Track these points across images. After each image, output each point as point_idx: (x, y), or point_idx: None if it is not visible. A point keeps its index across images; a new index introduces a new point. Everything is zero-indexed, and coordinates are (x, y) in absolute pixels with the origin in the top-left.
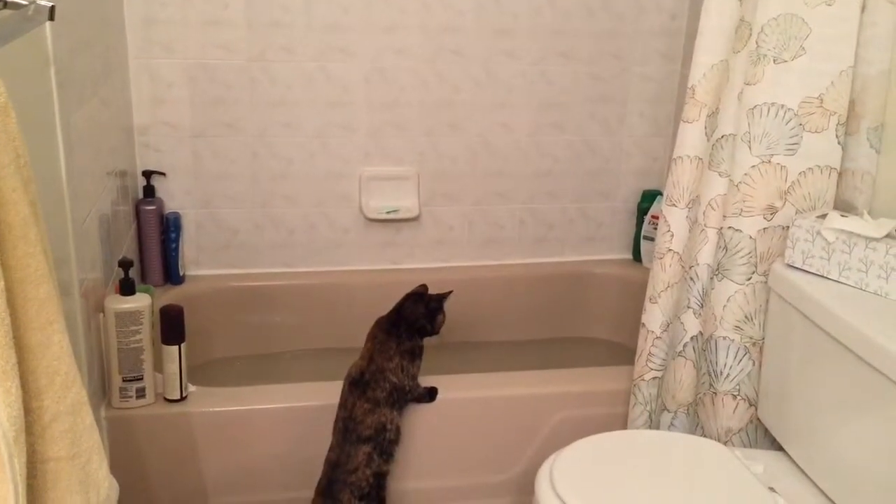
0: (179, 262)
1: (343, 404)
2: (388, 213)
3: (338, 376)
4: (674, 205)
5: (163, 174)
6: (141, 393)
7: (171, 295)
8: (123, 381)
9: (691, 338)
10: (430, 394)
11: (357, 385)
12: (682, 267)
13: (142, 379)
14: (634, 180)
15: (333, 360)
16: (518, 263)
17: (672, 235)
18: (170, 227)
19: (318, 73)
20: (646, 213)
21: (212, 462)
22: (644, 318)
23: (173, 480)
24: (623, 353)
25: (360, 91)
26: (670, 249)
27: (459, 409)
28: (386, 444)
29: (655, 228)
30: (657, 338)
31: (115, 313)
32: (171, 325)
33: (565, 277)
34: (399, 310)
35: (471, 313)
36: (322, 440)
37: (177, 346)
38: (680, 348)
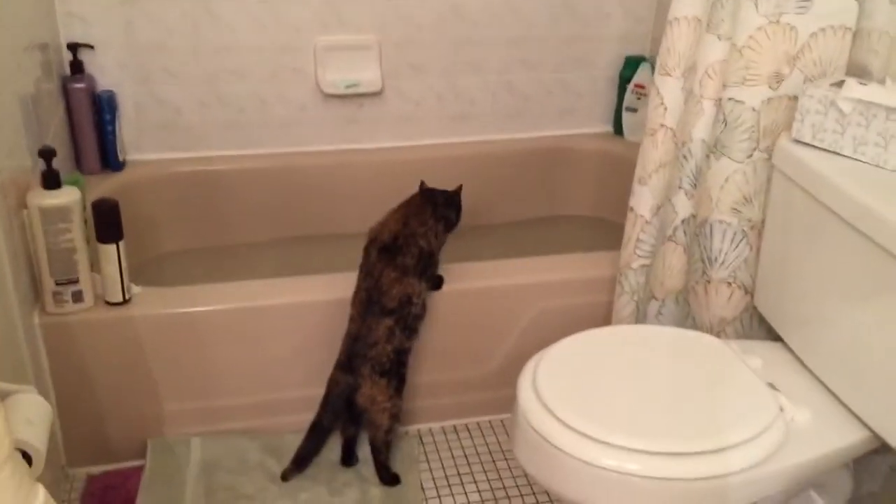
0: (118, 147)
1: (369, 272)
2: (347, 87)
3: (301, 269)
4: (668, 74)
5: (91, 47)
6: (78, 297)
7: (109, 183)
8: (56, 284)
9: (682, 221)
10: (438, 281)
11: (388, 251)
12: (676, 144)
13: (77, 281)
14: (616, 45)
15: (296, 251)
16: (492, 140)
17: (665, 109)
18: (103, 107)
19: None
20: (628, 82)
21: (163, 367)
22: (632, 202)
23: (120, 388)
24: (605, 229)
25: None
26: (663, 125)
27: (432, 303)
28: (410, 319)
29: (639, 99)
30: (647, 223)
31: (40, 209)
32: (106, 222)
33: (543, 153)
34: (428, 191)
35: None
36: (285, 341)
37: (114, 245)
38: (670, 232)
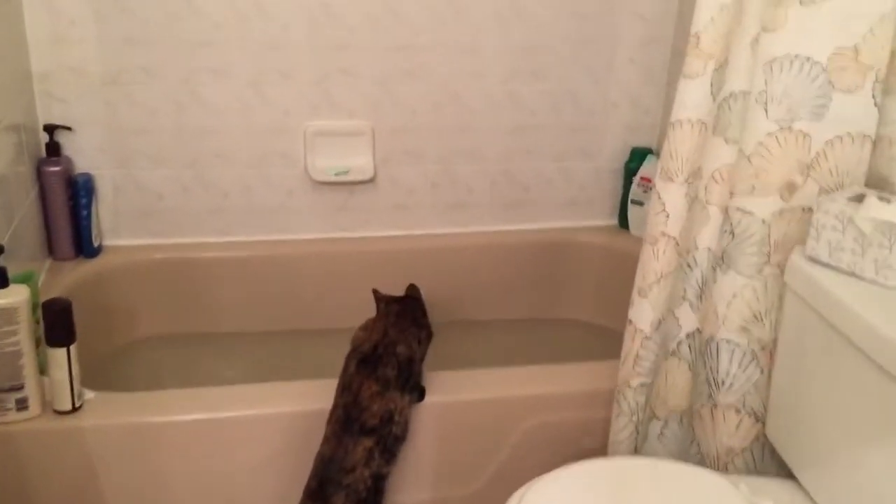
0: (93, 232)
1: (346, 386)
2: (336, 174)
3: (282, 366)
4: (670, 179)
5: (68, 129)
6: (22, 404)
7: (83, 270)
8: None
9: (687, 335)
10: (421, 392)
11: (367, 362)
12: (679, 254)
13: (22, 388)
14: (622, 136)
15: (278, 345)
16: (489, 231)
17: (667, 216)
18: (79, 191)
19: (251, 8)
20: (634, 174)
21: (115, 484)
22: (631, 314)
23: None
24: (607, 334)
25: (301, 30)
26: (664, 233)
27: (413, 415)
28: (390, 440)
29: (645, 192)
30: (647, 338)
31: None
32: (57, 324)
33: (543, 247)
34: (409, 294)
35: (434, 289)
36: (250, 457)
37: (65, 349)
38: (673, 346)
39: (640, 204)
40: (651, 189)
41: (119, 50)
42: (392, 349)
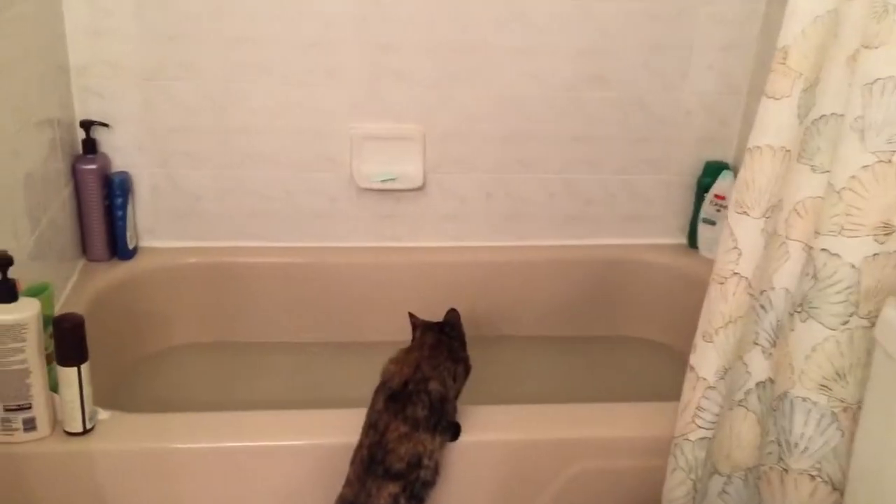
0: (128, 233)
1: (373, 425)
2: (382, 181)
3: (319, 380)
4: (745, 212)
5: (105, 125)
6: (30, 424)
7: (116, 272)
8: (5, 409)
9: (757, 384)
10: (455, 430)
11: (396, 400)
12: (752, 295)
13: (30, 408)
14: (695, 149)
15: (317, 358)
16: (545, 245)
17: (739, 254)
18: (115, 191)
19: (296, 1)
20: (707, 191)
21: None
22: (693, 360)
23: None
24: (670, 359)
25: (350, 27)
26: (736, 273)
27: (445, 453)
28: (418, 486)
29: (718, 211)
30: (710, 387)
31: None
32: (68, 341)
33: (603, 264)
34: (447, 321)
35: (486, 303)
36: (272, 490)
37: (75, 368)
38: (741, 396)
39: (712, 223)
40: (724, 208)
41: (158, 44)
42: (424, 386)
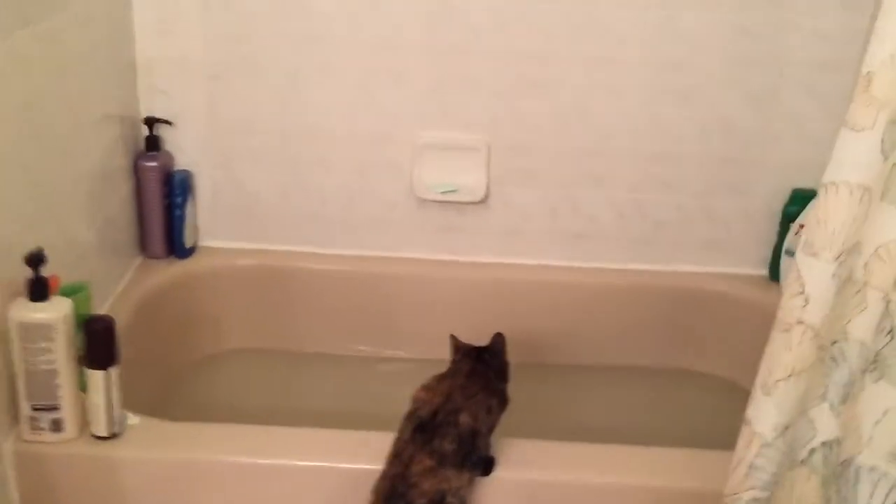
0: (185, 232)
1: (398, 455)
2: (442, 192)
3: (364, 398)
4: (815, 254)
5: (168, 123)
6: (57, 425)
7: (171, 271)
8: (33, 409)
9: (823, 443)
10: (487, 464)
11: (424, 430)
12: (820, 346)
13: (57, 409)
14: (783, 174)
15: (367, 371)
16: (612, 268)
17: (806, 301)
18: (175, 189)
19: (364, 3)
20: (793, 220)
21: None
22: (750, 413)
23: None
24: (740, 400)
25: (418, 30)
26: (801, 321)
27: (480, 489)
28: None
29: None
30: (766, 444)
31: (19, 324)
32: (97, 344)
33: (673, 292)
34: (490, 347)
35: (543, 326)
36: None
37: (103, 372)
38: (804, 455)
39: None
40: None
41: (224, 43)
42: (454, 418)
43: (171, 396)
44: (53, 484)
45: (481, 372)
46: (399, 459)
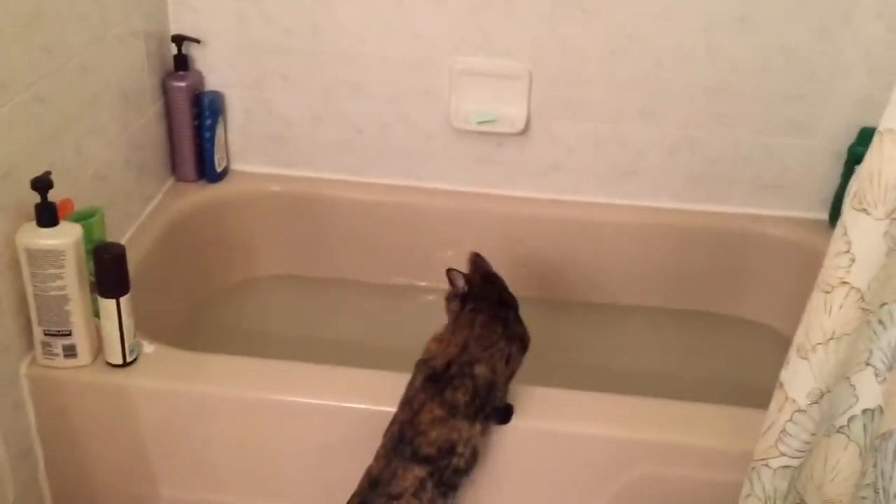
0: (216, 155)
1: (408, 402)
2: (479, 122)
3: (392, 327)
4: (864, 210)
5: (197, 41)
6: (70, 351)
7: (201, 195)
8: (45, 334)
9: (864, 411)
10: (506, 412)
11: (435, 381)
12: (864, 310)
13: (70, 335)
14: (850, 111)
15: (397, 300)
16: (661, 207)
17: (852, 260)
18: (204, 111)
19: None
20: (859, 162)
21: (162, 448)
22: (783, 376)
23: (114, 462)
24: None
25: None
26: (845, 282)
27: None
28: (449, 473)
29: None
30: (799, 411)
31: (27, 250)
32: (108, 272)
33: (725, 234)
34: (500, 287)
35: (582, 265)
36: (307, 444)
37: (114, 300)
38: (842, 422)
39: None
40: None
41: None
42: (469, 370)
43: (199, 322)
44: (68, 408)
45: (500, 318)
46: (409, 406)
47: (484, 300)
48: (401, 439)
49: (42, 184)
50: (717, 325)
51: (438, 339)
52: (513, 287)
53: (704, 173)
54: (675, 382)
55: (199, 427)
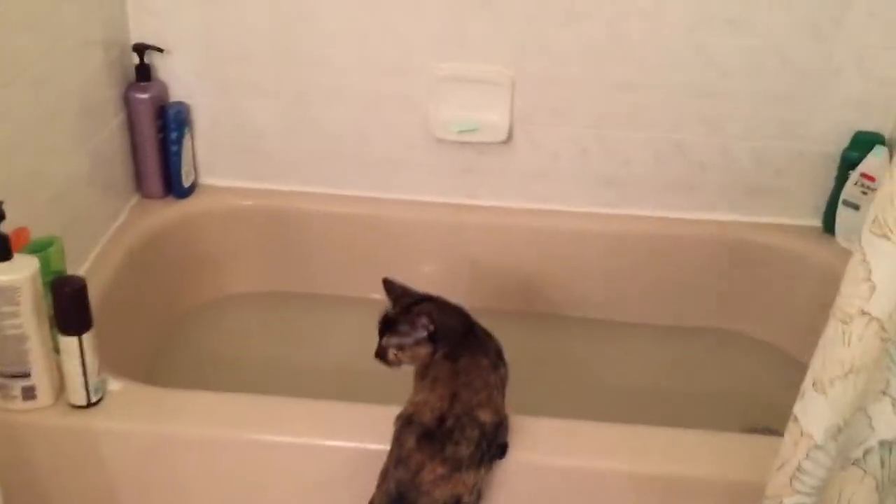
0: (183, 169)
1: (401, 460)
2: (462, 131)
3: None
4: (884, 235)
5: (160, 50)
6: (29, 393)
7: (168, 212)
8: (2, 376)
9: (881, 443)
10: (503, 448)
11: (431, 439)
12: (883, 340)
13: (28, 376)
14: (843, 114)
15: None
16: (647, 216)
17: (873, 289)
18: (169, 123)
19: None
20: (853, 168)
21: (133, 495)
22: (798, 410)
23: None
24: (784, 365)
25: None
26: (865, 312)
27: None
28: None
29: (864, 193)
30: (817, 447)
31: None
32: (68, 308)
33: (715, 243)
34: (472, 323)
35: (573, 279)
36: (291, 492)
37: (76, 338)
38: (858, 454)
39: (856, 207)
40: (872, 190)
41: None
42: (470, 420)
43: (170, 347)
44: (29, 454)
45: (479, 347)
46: (405, 466)
47: (451, 333)
48: (400, 498)
49: None
50: (706, 336)
51: (416, 397)
52: (499, 300)
53: (693, 180)
54: (667, 397)
55: (172, 470)
